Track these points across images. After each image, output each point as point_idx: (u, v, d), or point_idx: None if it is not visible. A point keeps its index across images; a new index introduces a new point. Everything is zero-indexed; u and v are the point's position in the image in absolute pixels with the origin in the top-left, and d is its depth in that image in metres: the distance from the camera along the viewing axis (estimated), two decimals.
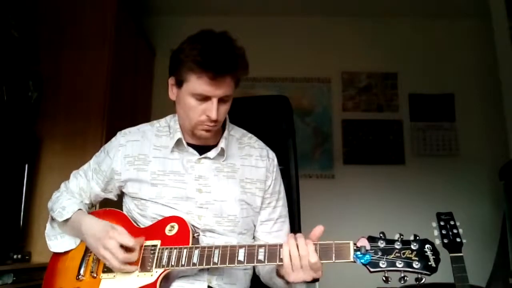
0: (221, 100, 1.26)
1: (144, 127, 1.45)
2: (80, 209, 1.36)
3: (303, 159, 3.31)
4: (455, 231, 1.45)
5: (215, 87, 1.22)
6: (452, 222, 1.47)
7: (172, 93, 1.34)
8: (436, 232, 1.46)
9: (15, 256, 2.10)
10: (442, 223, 1.47)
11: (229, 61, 1.21)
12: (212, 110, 1.24)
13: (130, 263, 1.20)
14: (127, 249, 1.19)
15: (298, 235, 1.12)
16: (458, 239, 1.43)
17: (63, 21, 2.70)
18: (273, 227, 1.41)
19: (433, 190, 3.36)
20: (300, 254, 1.08)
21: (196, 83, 1.23)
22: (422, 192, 3.36)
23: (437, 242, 1.43)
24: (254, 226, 1.41)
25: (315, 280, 1.67)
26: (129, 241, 1.19)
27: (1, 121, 2.23)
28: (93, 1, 2.73)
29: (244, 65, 1.27)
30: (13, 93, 2.33)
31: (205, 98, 1.24)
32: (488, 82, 3.45)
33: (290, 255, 1.09)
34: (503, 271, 2.35)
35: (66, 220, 1.34)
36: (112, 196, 1.44)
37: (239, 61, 1.24)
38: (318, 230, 1.13)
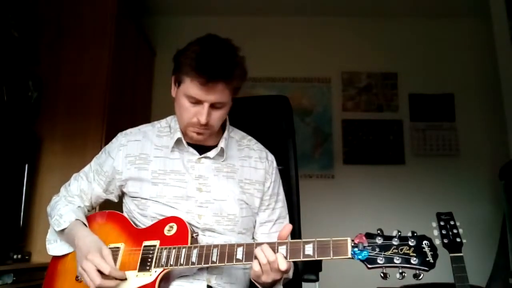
0: (213, 106, 1.27)
1: (145, 127, 1.46)
2: (77, 219, 1.34)
3: (303, 159, 3.31)
4: (455, 231, 1.45)
5: (206, 92, 1.24)
6: (452, 222, 1.47)
7: (174, 91, 1.36)
8: (436, 232, 1.45)
9: (15, 256, 2.10)
10: (442, 223, 1.47)
11: (223, 68, 1.22)
12: (202, 114, 1.26)
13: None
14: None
15: (264, 246, 1.11)
16: (458, 239, 1.43)
17: (63, 21, 2.70)
18: (271, 229, 1.42)
19: (433, 190, 3.36)
20: (270, 261, 1.09)
21: (189, 86, 1.25)
22: (422, 192, 3.36)
23: (437, 242, 1.43)
24: (254, 226, 1.41)
25: (315, 280, 1.68)
26: (105, 268, 1.15)
27: (1, 121, 2.22)
28: (93, 1, 2.73)
29: (241, 74, 1.28)
30: (13, 93, 2.33)
31: (197, 102, 1.26)
32: (488, 82, 3.45)
33: (260, 264, 1.10)
34: (503, 271, 2.35)
35: (63, 229, 1.34)
36: (113, 197, 1.44)
37: (234, 70, 1.25)
38: (286, 229, 1.16)
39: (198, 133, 1.31)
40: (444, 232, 1.45)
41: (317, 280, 1.68)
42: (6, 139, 2.23)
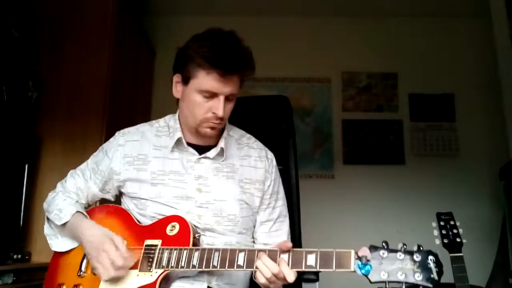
0: (226, 98, 1.27)
1: (143, 127, 1.44)
2: (78, 211, 1.35)
3: (303, 159, 3.30)
4: (455, 231, 1.45)
5: (223, 85, 1.23)
6: (452, 222, 1.47)
7: (177, 90, 1.34)
8: (436, 232, 1.46)
9: (15, 256, 2.09)
10: (442, 223, 1.47)
11: (238, 59, 1.23)
12: (219, 107, 1.25)
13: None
14: None
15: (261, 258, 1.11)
16: (458, 239, 1.43)
17: (63, 21, 2.69)
18: (272, 227, 1.41)
19: (433, 190, 3.35)
20: (277, 277, 1.09)
21: (204, 80, 1.23)
22: (422, 192, 3.35)
23: (437, 242, 1.43)
24: (254, 226, 1.41)
25: (315, 280, 1.68)
26: (119, 261, 1.17)
27: (1, 121, 2.22)
28: (93, 1, 2.73)
29: (252, 65, 1.28)
30: (13, 93, 2.33)
31: (212, 95, 1.25)
32: (488, 82, 3.45)
33: (267, 279, 1.10)
34: (503, 271, 2.35)
35: (64, 223, 1.34)
36: (109, 196, 1.43)
37: (247, 61, 1.26)
38: (284, 247, 1.12)
39: (212, 128, 1.30)
40: (444, 232, 1.45)
41: (317, 280, 1.68)
42: (6, 139, 2.22)
